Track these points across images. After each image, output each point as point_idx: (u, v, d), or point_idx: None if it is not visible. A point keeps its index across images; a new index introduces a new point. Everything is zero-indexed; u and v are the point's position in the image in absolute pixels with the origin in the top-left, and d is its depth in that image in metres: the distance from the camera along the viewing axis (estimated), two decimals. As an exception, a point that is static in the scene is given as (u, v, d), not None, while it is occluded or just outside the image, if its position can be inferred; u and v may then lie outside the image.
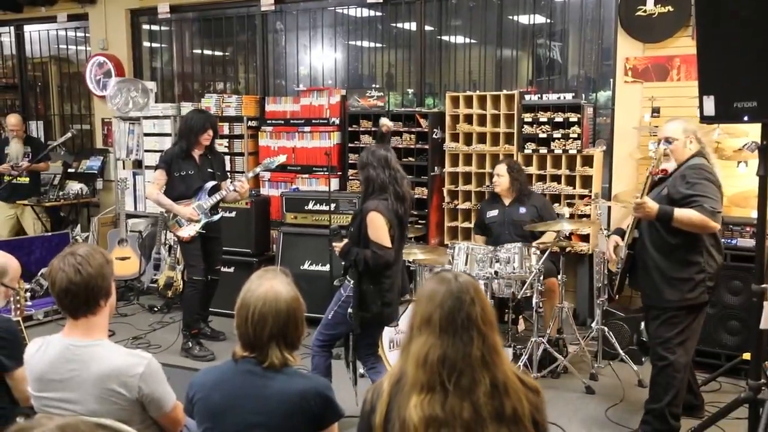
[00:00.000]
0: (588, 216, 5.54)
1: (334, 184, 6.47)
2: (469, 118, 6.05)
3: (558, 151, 5.67)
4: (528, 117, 5.76)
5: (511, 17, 6.46)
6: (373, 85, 7.06)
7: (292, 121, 6.77)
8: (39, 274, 5.59)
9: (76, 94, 8.97)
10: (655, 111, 5.44)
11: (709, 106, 3.24)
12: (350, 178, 6.56)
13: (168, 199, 5.30)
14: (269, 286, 2.22)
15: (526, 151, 5.78)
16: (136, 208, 7.48)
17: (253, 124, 7.01)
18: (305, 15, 7.34)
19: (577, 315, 5.81)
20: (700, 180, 3.61)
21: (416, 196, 6.16)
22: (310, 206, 6.08)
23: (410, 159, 6.21)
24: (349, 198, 5.87)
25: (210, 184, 5.37)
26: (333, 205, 5.77)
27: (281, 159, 5.65)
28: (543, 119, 5.71)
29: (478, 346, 1.86)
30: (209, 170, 5.42)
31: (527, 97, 5.87)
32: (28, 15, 8.84)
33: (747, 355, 4.10)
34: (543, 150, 5.73)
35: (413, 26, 6.81)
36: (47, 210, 7.56)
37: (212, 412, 2.23)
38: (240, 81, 8.07)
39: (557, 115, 5.67)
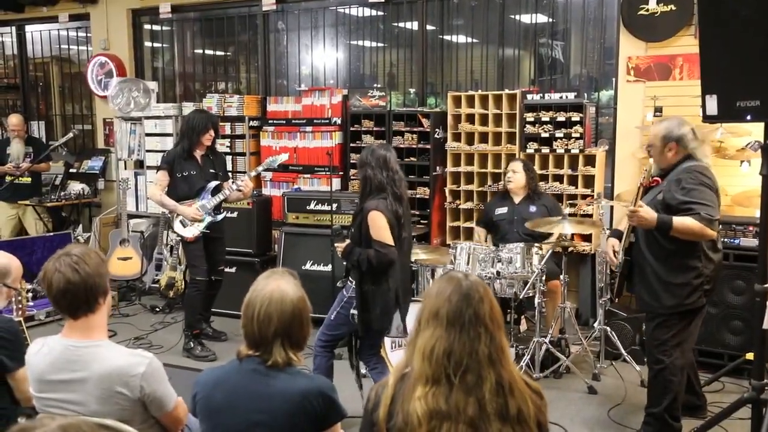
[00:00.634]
0: (590, 216, 5.54)
1: (336, 184, 6.47)
2: (471, 118, 6.05)
3: (560, 151, 5.67)
4: (530, 116, 5.76)
5: (513, 16, 6.46)
6: (375, 85, 7.06)
7: (293, 121, 6.78)
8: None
9: (78, 94, 8.98)
10: (658, 110, 5.44)
11: (712, 105, 3.24)
12: (352, 178, 6.57)
13: (171, 200, 5.29)
14: (276, 285, 2.24)
15: (528, 151, 5.78)
16: (137, 208, 7.49)
17: (255, 124, 7.02)
18: (306, 15, 7.34)
19: (580, 315, 5.80)
20: (696, 186, 3.57)
21: (418, 196, 6.18)
22: (312, 206, 6.09)
23: (412, 159, 6.21)
24: (351, 198, 5.87)
25: (213, 183, 5.38)
26: (335, 205, 5.77)
27: (283, 158, 5.65)
28: (545, 119, 5.71)
29: (485, 343, 1.87)
30: (211, 170, 5.42)
31: (529, 96, 5.87)
32: (29, 15, 8.85)
33: (750, 355, 4.10)
34: (545, 150, 5.72)
35: (415, 26, 6.82)
36: (49, 210, 7.57)
37: (214, 410, 2.24)
38: (241, 81, 8.07)
39: (559, 115, 5.67)
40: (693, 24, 5.28)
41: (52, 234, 7.04)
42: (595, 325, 5.01)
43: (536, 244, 4.90)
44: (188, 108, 7.15)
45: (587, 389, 4.64)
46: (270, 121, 6.91)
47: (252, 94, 7.51)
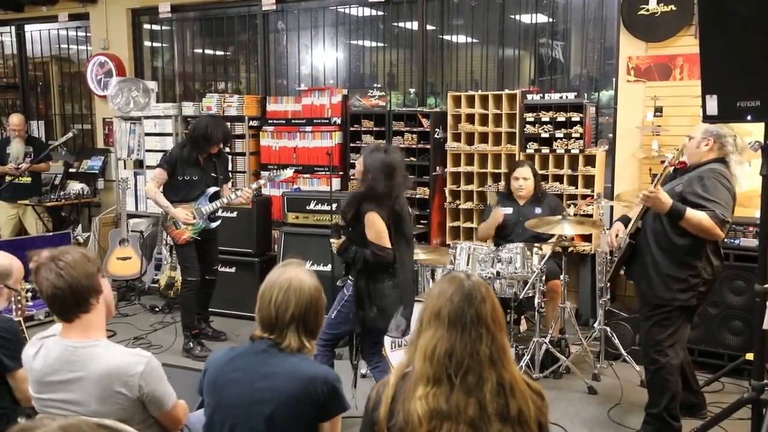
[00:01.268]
0: (590, 216, 5.54)
1: (336, 184, 6.48)
2: (471, 118, 6.05)
3: (560, 151, 5.67)
4: (530, 116, 5.76)
5: (513, 16, 6.46)
6: (375, 85, 7.06)
7: (293, 121, 6.78)
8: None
9: (77, 94, 8.98)
10: (658, 110, 5.44)
11: (712, 105, 3.23)
12: (352, 177, 6.57)
13: (165, 200, 5.29)
14: (294, 273, 2.32)
15: (528, 151, 5.78)
16: (137, 208, 7.49)
17: (255, 123, 7.02)
18: (306, 14, 7.34)
19: (580, 315, 5.80)
20: (716, 185, 3.60)
21: (418, 196, 6.18)
22: (312, 206, 6.09)
23: (412, 159, 6.21)
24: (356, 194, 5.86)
25: (212, 189, 5.39)
26: (334, 205, 5.77)
27: (288, 173, 5.66)
28: (545, 119, 5.71)
29: (486, 344, 1.87)
30: (213, 174, 5.43)
31: (529, 96, 5.87)
32: (29, 14, 8.85)
33: (750, 356, 4.10)
34: (545, 150, 5.72)
35: (415, 25, 6.82)
36: (48, 210, 7.56)
37: (219, 386, 2.30)
38: (241, 81, 8.07)
39: (559, 115, 5.67)
40: (693, 24, 5.28)
41: (51, 234, 7.04)
42: (595, 325, 5.01)
43: (536, 244, 4.90)
44: (188, 108, 7.17)
45: (587, 389, 4.64)
46: (270, 121, 6.91)
47: (252, 93, 7.51)
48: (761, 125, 3.28)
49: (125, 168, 7.68)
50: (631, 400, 4.43)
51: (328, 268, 5.60)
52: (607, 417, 4.28)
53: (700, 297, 3.73)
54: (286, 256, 5.94)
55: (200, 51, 8.19)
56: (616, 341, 4.89)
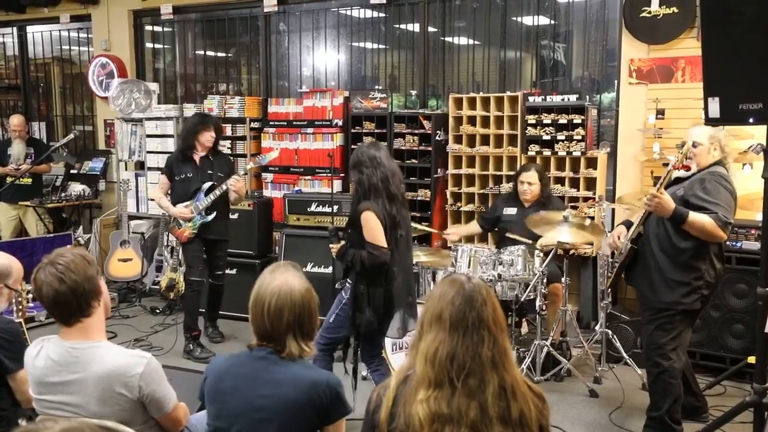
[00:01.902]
0: (592, 218, 5.53)
1: (337, 185, 6.48)
2: (472, 120, 6.05)
3: (562, 153, 5.66)
4: (532, 119, 5.76)
5: (514, 18, 6.47)
6: (376, 87, 7.06)
7: (294, 123, 6.78)
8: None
9: (79, 95, 8.99)
10: (660, 113, 5.44)
11: (714, 107, 3.23)
12: (353, 180, 6.55)
13: (166, 201, 5.45)
14: (283, 279, 2.29)
15: (529, 153, 5.77)
16: (138, 209, 7.49)
17: (256, 125, 7.03)
18: (308, 16, 7.35)
19: (581, 318, 5.79)
20: (717, 187, 3.61)
21: (419, 198, 6.17)
22: (313, 208, 6.09)
23: (413, 161, 6.21)
24: (352, 200, 5.87)
25: (207, 185, 5.41)
26: (336, 207, 5.77)
27: (273, 155, 5.73)
28: (547, 121, 5.71)
29: (488, 346, 1.87)
30: (209, 172, 5.44)
31: (531, 98, 5.86)
32: (30, 16, 8.86)
33: (752, 359, 4.10)
34: (547, 152, 5.72)
35: (416, 27, 6.82)
36: (49, 211, 7.57)
37: (221, 393, 2.29)
38: (243, 82, 8.08)
39: (561, 117, 5.66)
40: (695, 26, 5.28)
41: (52, 235, 7.04)
42: (597, 328, 5.01)
43: (538, 247, 4.90)
44: (189, 109, 7.18)
45: (588, 392, 4.63)
46: (271, 123, 6.91)
47: (253, 95, 7.51)
48: (763, 128, 3.27)
49: (126, 169, 7.68)
50: (632, 404, 4.43)
51: (329, 270, 5.60)
52: (608, 420, 4.27)
53: (703, 300, 3.73)
54: (287, 258, 5.97)
55: (202, 52, 8.20)
56: (618, 344, 4.89)
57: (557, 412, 4.28)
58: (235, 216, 6.20)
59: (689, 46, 5.37)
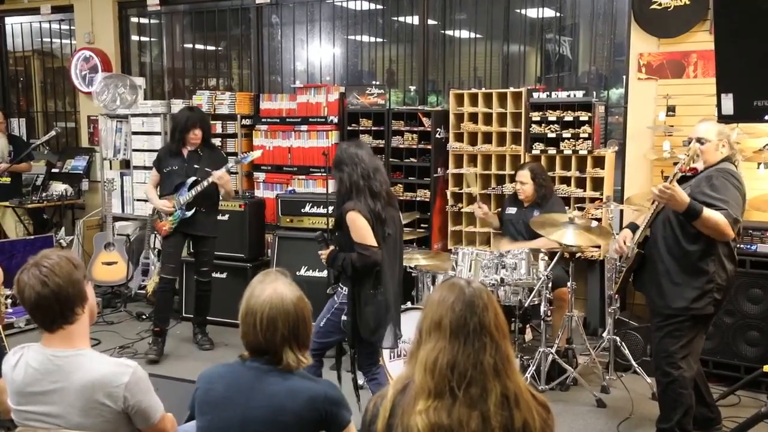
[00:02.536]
0: (599, 220, 5.53)
1: (332, 186, 6.45)
2: (474, 117, 6.04)
3: (568, 152, 5.66)
4: (536, 116, 5.76)
5: (518, 11, 6.47)
6: (374, 82, 7.05)
7: (288, 120, 6.77)
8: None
9: (61, 90, 8.97)
10: (671, 110, 5.44)
11: (728, 104, 3.23)
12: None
13: (153, 193, 5.62)
14: (272, 289, 2.27)
15: (534, 152, 5.77)
16: (123, 210, 7.47)
17: (247, 122, 7.01)
18: (302, 8, 7.35)
19: (588, 324, 5.80)
20: (725, 184, 3.62)
21: (418, 199, 6.17)
22: (307, 209, 6.08)
23: (412, 160, 6.21)
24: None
25: (191, 179, 5.45)
26: (331, 208, 5.76)
27: (256, 154, 5.85)
28: (552, 118, 5.71)
29: (490, 353, 1.87)
30: (195, 166, 5.50)
31: (535, 94, 5.86)
32: (9, 6, 8.85)
33: (767, 368, 4.10)
34: (552, 150, 5.72)
35: (416, 20, 6.82)
36: (30, 212, 7.55)
37: (212, 404, 2.29)
38: (233, 77, 8.07)
39: (567, 114, 5.66)
40: (708, 19, 5.29)
41: (33, 237, 7.03)
42: (604, 334, 5.00)
43: (542, 250, 4.90)
44: (177, 105, 7.15)
45: (595, 402, 4.62)
46: (263, 120, 6.90)
47: (244, 91, 7.51)
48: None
49: (111, 168, 7.67)
50: (641, 414, 4.42)
51: (324, 274, 5.59)
52: (616, 431, 4.27)
53: (716, 304, 3.72)
54: (280, 261, 5.97)
55: (190, 46, 8.19)
56: (626, 352, 4.89)
57: (563, 422, 4.28)
58: (226, 217, 6.20)
59: (701, 40, 5.37)
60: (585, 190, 5.63)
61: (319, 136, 6.63)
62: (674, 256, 3.71)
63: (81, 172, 8.08)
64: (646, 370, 4.78)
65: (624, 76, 5.91)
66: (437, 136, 6.13)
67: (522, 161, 5.77)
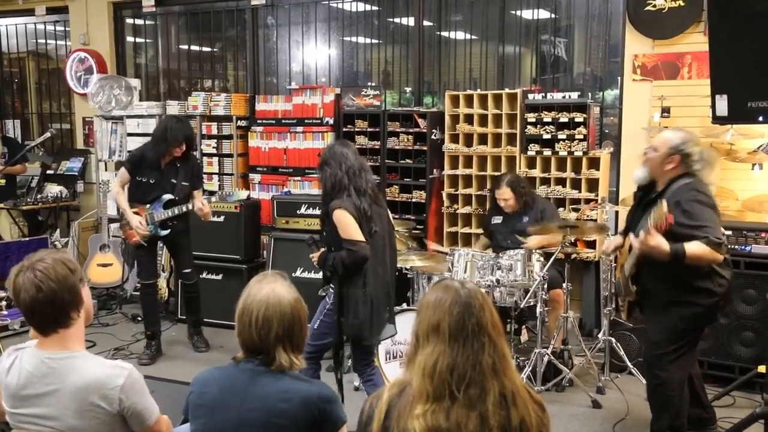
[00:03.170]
0: (595, 221, 5.54)
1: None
2: (469, 118, 6.05)
3: (563, 153, 5.67)
4: (531, 117, 5.77)
5: (513, 12, 6.48)
6: (369, 83, 7.05)
7: (283, 121, 6.77)
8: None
9: (56, 92, 8.95)
10: (665, 111, 5.45)
11: (722, 105, 3.25)
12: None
13: (125, 202, 5.40)
14: (270, 289, 2.28)
15: (529, 153, 5.78)
16: (118, 212, 7.44)
17: (243, 123, 7.00)
18: (297, 9, 7.34)
19: (583, 325, 5.80)
20: (697, 207, 3.55)
21: (414, 200, 6.17)
22: (303, 210, 6.07)
23: (408, 161, 6.21)
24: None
25: (167, 196, 5.38)
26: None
27: (242, 195, 5.78)
28: (547, 119, 5.71)
29: (489, 353, 1.88)
30: (172, 181, 5.40)
31: (530, 96, 5.87)
32: (3, 8, 8.81)
33: (762, 368, 4.11)
34: (547, 152, 5.73)
35: (411, 21, 6.82)
36: (24, 214, 7.54)
37: (207, 408, 2.29)
38: (229, 78, 8.06)
39: (562, 115, 5.67)
40: (702, 20, 5.29)
41: (27, 239, 7.01)
42: (600, 335, 5.01)
43: (538, 251, 4.90)
44: (172, 107, 7.16)
45: (591, 403, 4.63)
46: (259, 121, 6.89)
47: (240, 92, 7.50)
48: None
49: (106, 170, 7.64)
50: (637, 415, 4.43)
51: (320, 275, 5.58)
52: (612, 432, 4.28)
53: (721, 307, 3.70)
54: (276, 263, 5.97)
55: (186, 47, 8.17)
56: (622, 353, 4.89)
57: (558, 423, 4.28)
58: (221, 219, 6.19)
59: (696, 41, 5.38)
60: (580, 192, 5.64)
61: (315, 137, 6.63)
62: (668, 281, 3.64)
63: (76, 173, 8.06)
64: (642, 371, 4.78)
65: (619, 78, 5.92)
66: (433, 137, 6.13)
67: (518, 162, 5.78)
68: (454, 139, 6.11)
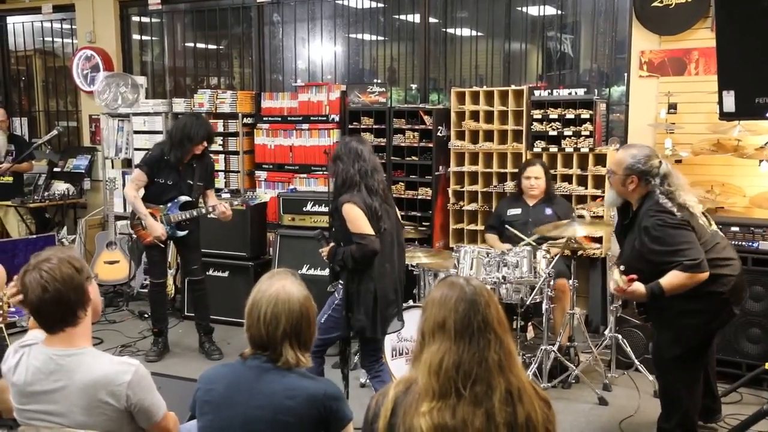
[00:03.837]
0: (601, 217, 5.54)
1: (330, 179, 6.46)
2: (475, 115, 6.04)
3: (569, 150, 5.66)
4: (537, 114, 5.76)
5: (519, 8, 6.46)
6: (375, 80, 7.06)
7: (289, 118, 6.77)
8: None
9: (62, 90, 8.98)
10: (672, 107, 5.43)
11: (729, 101, 3.24)
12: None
13: (144, 208, 5.28)
14: (281, 285, 2.30)
15: (535, 150, 5.77)
16: (125, 209, 7.45)
17: (249, 121, 7.01)
18: (303, 6, 7.34)
19: (590, 322, 5.80)
20: (665, 232, 3.48)
21: (420, 197, 6.16)
22: (309, 207, 6.08)
23: (414, 158, 6.20)
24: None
25: (183, 198, 5.37)
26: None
27: (264, 198, 5.90)
28: (553, 116, 5.70)
29: (495, 350, 1.88)
30: (189, 182, 5.39)
31: (537, 92, 5.86)
32: (10, 6, 8.85)
33: (769, 365, 4.10)
34: (553, 148, 5.72)
35: (417, 18, 6.81)
36: (32, 211, 7.56)
37: (214, 405, 2.29)
38: (235, 76, 8.07)
39: (568, 112, 5.66)
40: (710, 16, 5.27)
41: (35, 236, 7.03)
42: (606, 332, 5.00)
43: (543, 248, 4.89)
44: (179, 104, 7.17)
45: (598, 400, 4.63)
46: (265, 118, 6.90)
47: (246, 89, 7.51)
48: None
49: (113, 167, 7.67)
50: (644, 412, 4.42)
51: (326, 272, 5.59)
52: (618, 429, 4.27)
53: (732, 302, 3.65)
54: (282, 260, 5.98)
55: (192, 45, 8.18)
56: (628, 349, 4.88)
57: (565, 420, 4.28)
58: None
59: (703, 37, 5.36)
60: (586, 188, 5.62)
61: (321, 134, 6.63)
62: (673, 297, 3.55)
63: (83, 171, 8.08)
64: (648, 367, 4.78)
65: (625, 74, 5.91)
66: (439, 134, 6.12)
67: (524, 159, 5.77)
68: (460, 135, 6.11)
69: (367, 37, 7.21)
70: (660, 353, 3.79)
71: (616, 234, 4.02)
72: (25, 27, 9.04)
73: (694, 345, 3.65)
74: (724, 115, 3.35)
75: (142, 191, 5.38)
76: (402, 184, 6.24)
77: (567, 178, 5.72)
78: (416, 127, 6.19)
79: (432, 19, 6.78)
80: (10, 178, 7.37)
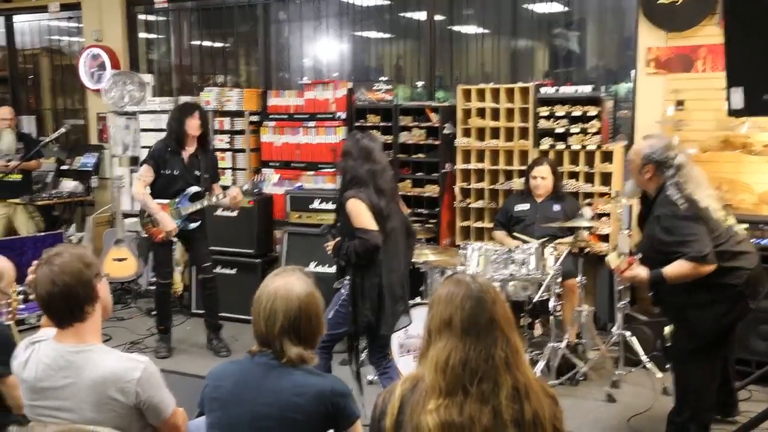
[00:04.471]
0: (608, 215, 5.52)
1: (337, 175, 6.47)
2: (481, 113, 6.03)
3: (576, 147, 5.65)
4: (544, 111, 5.74)
5: (526, 6, 6.45)
6: (381, 78, 7.05)
7: (295, 116, 6.77)
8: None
9: (70, 88, 8.99)
10: (679, 104, 5.42)
11: (737, 98, 3.21)
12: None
13: (155, 204, 5.30)
14: (283, 282, 2.30)
15: (542, 147, 5.76)
16: (132, 207, 7.47)
17: (255, 118, 7.01)
18: (309, 4, 7.34)
19: (598, 319, 5.78)
20: (674, 223, 3.50)
21: (426, 194, 6.16)
22: (316, 205, 6.09)
23: (420, 155, 6.20)
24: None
25: (193, 189, 5.38)
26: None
27: (273, 179, 5.94)
28: (560, 113, 5.68)
29: (501, 347, 1.88)
30: (196, 173, 5.40)
31: (543, 89, 5.84)
32: (17, 5, 8.87)
33: (779, 362, 4.08)
34: (560, 146, 5.70)
35: (423, 15, 6.81)
36: (40, 209, 7.58)
37: (221, 401, 2.30)
38: (241, 74, 8.08)
39: (575, 109, 5.64)
40: (717, 12, 5.26)
41: (43, 234, 7.05)
42: (614, 329, 4.99)
43: (551, 245, 4.89)
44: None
45: (606, 397, 4.62)
46: (271, 116, 6.90)
47: (252, 87, 7.51)
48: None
49: (120, 165, 7.68)
50: (653, 409, 4.41)
51: (333, 269, 5.59)
52: (627, 426, 4.27)
53: (748, 296, 3.62)
54: (290, 257, 5.98)
55: (198, 43, 8.19)
56: (637, 347, 4.87)
57: (573, 417, 4.27)
58: (234, 214, 6.20)
59: (710, 34, 5.34)
60: (593, 185, 5.61)
61: (327, 132, 6.64)
62: (683, 287, 3.57)
63: (90, 169, 8.09)
64: (657, 365, 4.77)
65: (632, 71, 5.88)
66: (445, 131, 6.11)
67: (530, 157, 5.75)
68: (467, 133, 6.10)
69: (373, 34, 7.21)
70: (676, 346, 3.78)
71: (638, 224, 4.03)
72: (32, 26, 9.07)
73: (710, 339, 3.63)
74: (733, 112, 3.31)
75: (148, 189, 5.37)
76: (409, 181, 6.24)
77: (574, 176, 5.71)
78: (422, 124, 6.19)
79: (438, 17, 6.77)
80: (19, 176, 7.38)
